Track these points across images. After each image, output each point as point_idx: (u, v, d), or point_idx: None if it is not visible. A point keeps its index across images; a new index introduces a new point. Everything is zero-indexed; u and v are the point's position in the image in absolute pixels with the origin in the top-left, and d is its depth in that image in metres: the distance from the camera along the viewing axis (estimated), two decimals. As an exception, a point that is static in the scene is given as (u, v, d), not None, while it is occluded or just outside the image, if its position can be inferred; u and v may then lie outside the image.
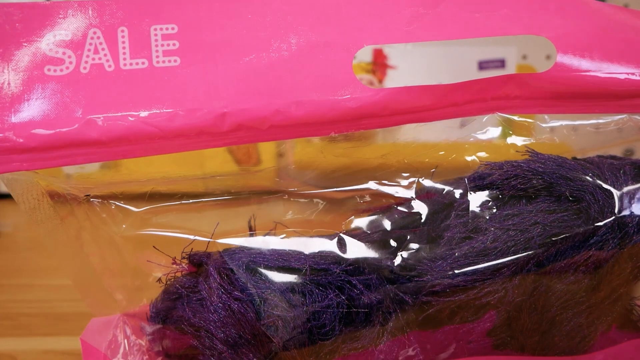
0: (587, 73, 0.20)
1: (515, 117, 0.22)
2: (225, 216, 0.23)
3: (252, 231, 0.22)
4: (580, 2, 0.21)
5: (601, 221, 0.20)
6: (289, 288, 0.20)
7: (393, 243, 0.20)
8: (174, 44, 0.18)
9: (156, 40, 0.18)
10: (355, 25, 0.19)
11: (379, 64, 0.56)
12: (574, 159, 0.23)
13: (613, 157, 0.23)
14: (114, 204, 0.21)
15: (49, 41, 0.18)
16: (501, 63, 0.48)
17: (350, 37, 0.19)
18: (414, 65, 0.50)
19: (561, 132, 0.23)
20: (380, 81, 0.53)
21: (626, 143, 0.24)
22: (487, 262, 0.20)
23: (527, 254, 0.20)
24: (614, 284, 0.21)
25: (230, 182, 0.24)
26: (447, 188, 0.22)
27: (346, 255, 0.20)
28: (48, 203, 0.20)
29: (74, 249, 0.22)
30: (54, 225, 0.20)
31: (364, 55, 0.53)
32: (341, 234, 0.20)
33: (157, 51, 0.18)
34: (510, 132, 0.24)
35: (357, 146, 0.21)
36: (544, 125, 0.23)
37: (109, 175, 0.22)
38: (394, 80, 0.51)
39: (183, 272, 0.23)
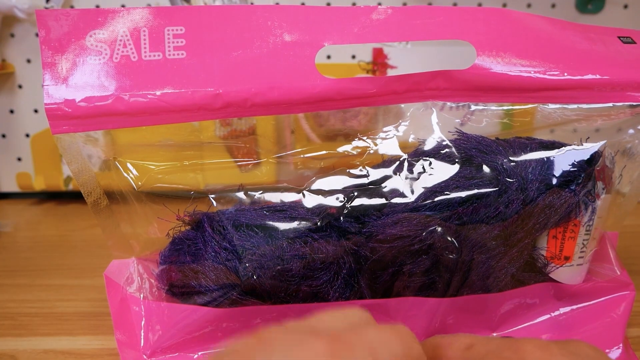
0: (499, 71, 0.26)
1: (451, 104, 0.28)
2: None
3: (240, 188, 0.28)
4: (502, 13, 0.27)
5: (507, 184, 0.26)
6: (264, 240, 0.26)
7: (342, 197, 0.26)
8: (181, 42, 0.25)
9: (168, 38, 0.25)
10: (318, 29, 0.25)
11: (379, 64, 0.60)
12: (496, 139, 0.28)
13: (528, 138, 0.29)
14: (134, 163, 0.28)
15: (91, 38, 0.24)
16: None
17: (314, 38, 0.25)
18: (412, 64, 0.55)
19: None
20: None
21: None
22: (418, 216, 0.26)
23: (449, 209, 0.26)
24: (519, 236, 0.27)
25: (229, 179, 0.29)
26: (390, 159, 0.27)
27: (307, 205, 0.26)
28: (83, 158, 0.26)
29: (102, 199, 0.28)
30: (90, 177, 0.27)
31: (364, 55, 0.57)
32: (304, 190, 0.27)
33: (169, 47, 0.25)
34: (511, 124, 0.30)
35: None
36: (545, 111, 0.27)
37: (108, 174, 0.28)
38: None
39: (186, 227, 0.29)
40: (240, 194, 0.27)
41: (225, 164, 0.30)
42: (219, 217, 0.26)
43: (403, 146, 0.28)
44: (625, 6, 0.52)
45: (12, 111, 0.54)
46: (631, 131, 0.27)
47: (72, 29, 0.24)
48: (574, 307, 0.30)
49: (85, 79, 0.24)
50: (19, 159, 0.55)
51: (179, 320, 0.28)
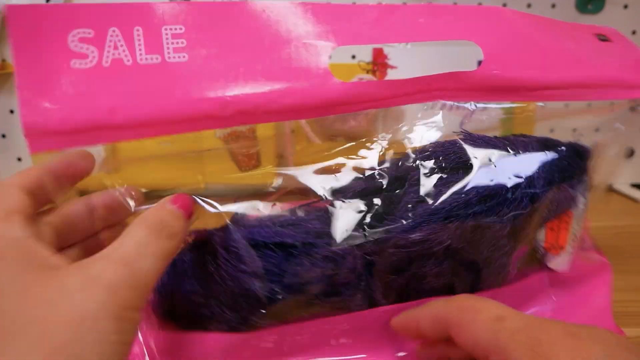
0: (498, 72, 0.26)
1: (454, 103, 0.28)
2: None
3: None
4: (499, 12, 0.27)
5: (517, 182, 0.26)
6: (285, 259, 0.24)
7: (363, 207, 0.25)
8: (182, 42, 0.22)
9: (167, 38, 0.22)
10: (332, 28, 0.24)
11: (379, 64, 0.55)
12: (494, 137, 0.29)
13: (523, 136, 0.29)
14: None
15: (74, 38, 0.20)
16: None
17: (328, 38, 0.24)
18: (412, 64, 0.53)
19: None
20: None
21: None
22: (436, 219, 0.26)
23: (465, 209, 0.26)
24: (527, 231, 0.28)
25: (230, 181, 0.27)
26: (400, 161, 0.27)
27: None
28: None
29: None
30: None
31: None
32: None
33: (168, 48, 0.22)
34: (512, 121, 0.30)
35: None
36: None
37: (109, 177, 0.25)
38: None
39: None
40: (250, 207, 0.25)
41: (222, 167, 0.28)
42: (230, 236, 0.24)
43: (408, 148, 0.28)
44: (625, 6, 0.51)
45: (12, 111, 0.53)
46: (617, 125, 0.29)
47: (52, 28, 0.20)
48: (566, 293, 0.31)
49: (70, 88, 0.20)
50: (19, 159, 0.54)
51: (184, 349, 0.25)
